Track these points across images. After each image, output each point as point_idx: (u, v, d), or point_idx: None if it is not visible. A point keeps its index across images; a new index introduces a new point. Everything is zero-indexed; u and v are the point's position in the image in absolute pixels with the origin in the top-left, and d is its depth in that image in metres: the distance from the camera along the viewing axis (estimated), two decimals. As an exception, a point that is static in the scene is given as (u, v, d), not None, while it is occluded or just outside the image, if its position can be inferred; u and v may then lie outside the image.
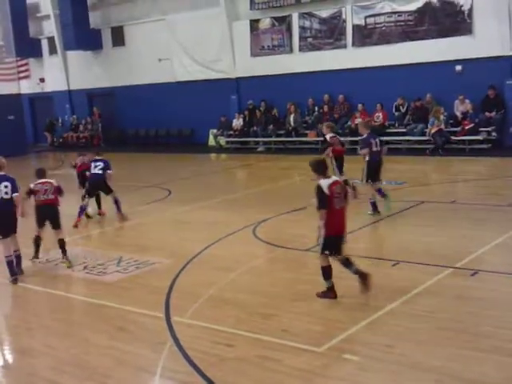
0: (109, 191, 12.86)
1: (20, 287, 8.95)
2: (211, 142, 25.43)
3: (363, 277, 7.40)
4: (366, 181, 11.38)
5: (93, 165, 12.97)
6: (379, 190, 11.45)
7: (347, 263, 7.52)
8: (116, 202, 12.79)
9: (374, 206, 11.35)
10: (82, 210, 12.81)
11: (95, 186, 12.93)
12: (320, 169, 7.54)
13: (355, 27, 21.63)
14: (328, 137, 13.04)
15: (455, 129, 19.26)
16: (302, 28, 22.95)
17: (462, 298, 7.29)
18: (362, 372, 5.63)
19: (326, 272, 7.52)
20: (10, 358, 6.76)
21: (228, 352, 6.21)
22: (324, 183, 7.43)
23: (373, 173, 11.30)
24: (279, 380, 5.61)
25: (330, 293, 7.49)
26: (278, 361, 5.94)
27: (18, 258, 9.43)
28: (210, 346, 6.35)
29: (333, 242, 7.48)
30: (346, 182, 9.09)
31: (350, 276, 8.27)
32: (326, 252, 7.48)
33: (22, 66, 31.85)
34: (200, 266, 9.25)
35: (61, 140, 30.27)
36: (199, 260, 9.48)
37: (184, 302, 7.61)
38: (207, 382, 5.61)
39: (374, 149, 11.29)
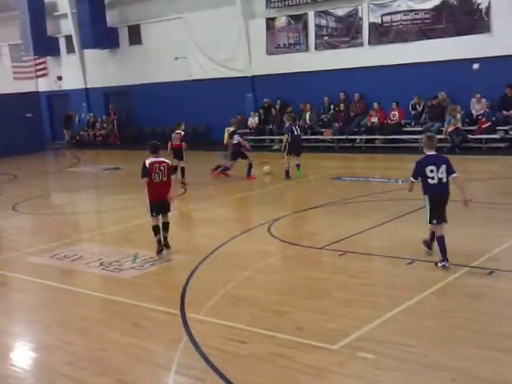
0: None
1: (36, 283, 9.03)
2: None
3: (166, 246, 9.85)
4: (288, 154, 16.17)
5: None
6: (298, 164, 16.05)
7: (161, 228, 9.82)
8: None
9: (287, 173, 16.01)
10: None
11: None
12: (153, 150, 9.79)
13: (371, 25, 21.54)
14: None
15: (472, 127, 19.13)
16: (318, 26, 22.88)
17: (478, 297, 7.25)
18: (377, 370, 5.61)
19: (155, 230, 9.77)
20: (27, 353, 6.81)
21: (242, 349, 6.23)
22: (147, 161, 9.61)
23: (295, 149, 16.13)
24: (293, 377, 5.62)
25: (158, 246, 9.70)
26: (292, 358, 5.95)
27: None
28: (225, 343, 6.38)
29: (155, 206, 9.66)
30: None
31: (365, 275, 8.29)
32: (154, 214, 9.73)
33: (39, 64, 32.06)
34: (215, 263, 9.28)
35: (77, 138, 30.47)
36: (214, 257, 9.51)
37: (199, 299, 7.64)
38: (221, 378, 5.63)
39: (295, 133, 16.24)
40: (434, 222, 8.43)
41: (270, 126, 23.61)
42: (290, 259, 9.48)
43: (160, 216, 9.81)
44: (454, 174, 8.43)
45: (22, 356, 6.77)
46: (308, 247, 9.73)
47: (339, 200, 13.04)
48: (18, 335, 7.38)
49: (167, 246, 9.90)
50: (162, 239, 9.84)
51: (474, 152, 18.54)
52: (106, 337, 6.86)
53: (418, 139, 20.02)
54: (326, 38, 22.83)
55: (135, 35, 28.46)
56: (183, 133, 16.84)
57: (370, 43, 21.73)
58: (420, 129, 20.07)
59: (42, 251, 10.65)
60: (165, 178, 9.66)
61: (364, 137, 21.36)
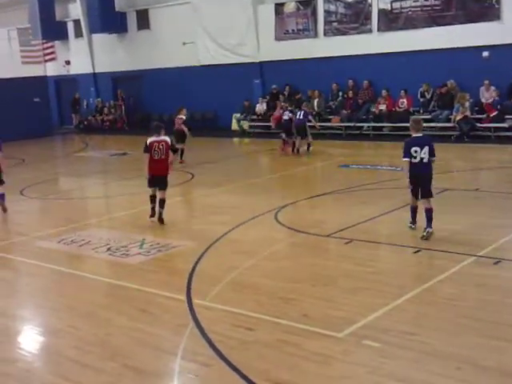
0: None
1: (45, 268, 9.09)
2: (234, 126, 25.41)
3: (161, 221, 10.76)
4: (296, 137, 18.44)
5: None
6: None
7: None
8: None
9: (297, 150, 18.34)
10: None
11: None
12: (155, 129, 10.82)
13: (381, 12, 21.38)
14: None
15: (481, 116, 19.04)
16: (327, 12, 22.74)
17: (485, 286, 7.25)
18: (383, 358, 5.63)
19: (151, 198, 10.84)
20: (34, 337, 6.87)
21: (248, 335, 6.26)
22: (149, 139, 10.65)
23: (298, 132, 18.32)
24: (299, 364, 5.65)
25: (152, 211, 10.80)
26: (298, 345, 5.98)
27: None
28: (231, 329, 6.41)
29: (153, 180, 10.67)
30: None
31: (371, 263, 8.31)
32: (151, 186, 10.79)
33: (48, 48, 32.05)
34: (222, 249, 9.31)
35: (85, 123, 30.51)
36: (221, 244, 9.54)
37: (205, 285, 7.68)
38: (228, 364, 5.66)
39: (297, 118, 18.46)
40: (411, 195, 9.47)
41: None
42: (297, 246, 9.50)
43: (157, 189, 10.77)
44: (433, 158, 9.32)
45: (30, 340, 6.83)
46: (314, 235, 9.74)
47: (346, 188, 13.03)
48: (26, 319, 7.44)
49: (161, 221, 10.77)
50: (158, 214, 10.77)
51: (482, 141, 18.47)
52: (113, 322, 6.91)
53: (426, 128, 19.96)
54: (335, 24, 22.70)
55: (143, 20, 28.36)
56: (184, 117, 17.97)
57: (379, 30, 21.58)
58: (428, 116, 19.96)
59: (50, 236, 10.71)
60: (163, 156, 10.65)
61: (372, 124, 21.28)
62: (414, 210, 9.61)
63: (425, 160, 9.18)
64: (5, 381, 5.78)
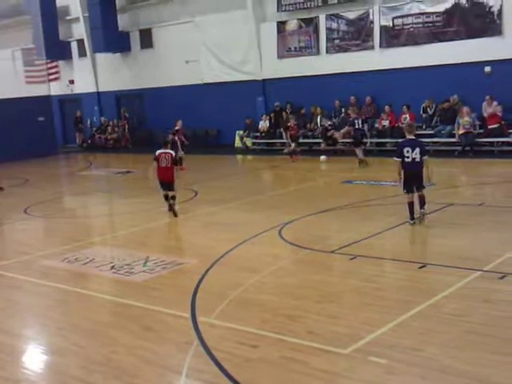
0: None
1: (49, 286, 9.08)
2: (237, 143, 25.48)
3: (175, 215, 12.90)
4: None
5: None
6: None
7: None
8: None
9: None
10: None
11: None
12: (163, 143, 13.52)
13: (383, 28, 21.48)
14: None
15: (481, 130, 19.05)
16: (329, 29, 22.86)
17: (491, 301, 7.21)
18: (389, 375, 5.59)
19: (164, 197, 13.09)
20: (40, 356, 6.85)
21: (253, 353, 6.23)
22: (157, 151, 13.04)
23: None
24: (304, 381, 5.62)
25: (169, 207, 13.00)
26: (303, 362, 5.94)
27: None
28: (236, 347, 6.38)
29: (162, 184, 12.97)
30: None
31: (376, 279, 8.27)
32: (162, 189, 13.08)
33: (52, 68, 32.26)
34: (226, 266, 9.29)
35: (89, 141, 30.62)
36: (225, 261, 9.52)
37: (210, 303, 7.65)
38: (233, 382, 5.64)
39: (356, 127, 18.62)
40: (405, 190, 10.68)
41: (281, 130, 23.59)
42: (301, 263, 9.47)
43: (167, 191, 13.07)
44: (425, 157, 10.56)
45: (34, 359, 6.81)
46: (319, 251, 9.72)
47: (350, 204, 13.02)
48: (30, 338, 7.42)
49: (175, 214, 12.99)
50: (170, 207, 13.10)
51: (485, 155, 18.45)
52: (118, 340, 6.88)
53: (429, 143, 19.97)
54: (337, 41, 22.80)
55: (147, 39, 28.56)
56: (177, 127, 20.20)
57: (381, 46, 21.67)
58: (431, 132, 20.00)
59: (54, 254, 10.71)
60: (169, 165, 12.92)
61: (375, 140, 21.30)
62: (411, 205, 10.66)
63: (417, 159, 10.47)
64: (9, 400, 5.75)
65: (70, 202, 17.78)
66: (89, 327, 7.35)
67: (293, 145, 20.77)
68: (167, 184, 12.96)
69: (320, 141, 22.11)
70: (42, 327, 7.73)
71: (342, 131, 20.07)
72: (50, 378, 6.30)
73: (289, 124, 21.25)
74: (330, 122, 21.55)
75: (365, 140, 19.62)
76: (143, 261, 9.74)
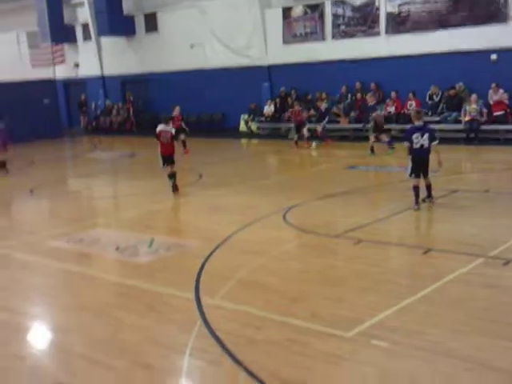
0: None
1: (54, 267, 9.13)
2: (242, 127, 25.44)
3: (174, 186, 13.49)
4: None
5: None
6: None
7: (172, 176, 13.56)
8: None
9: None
10: None
11: None
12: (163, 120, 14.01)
13: (388, 15, 21.34)
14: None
15: (486, 118, 18.99)
16: (335, 15, 22.73)
17: (494, 287, 7.22)
18: (391, 358, 5.62)
19: (169, 177, 13.55)
20: (45, 334, 6.90)
21: (257, 334, 6.26)
22: (158, 128, 13.55)
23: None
24: (307, 363, 5.64)
25: (173, 188, 13.50)
26: (306, 344, 5.97)
27: None
28: (239, 328, 6.41)
29: (164, 158, 13.42)
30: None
31: (380, 264, 8.29)
32: (165, 165, 13.46)
33: (56, 51, 32.20)
34: (230, 249, 9.31)
35: (94, 124, 30.63)
36: (229, 243, 9.54)
37: (214, 284, 7.68)
38: (236, 363, 5.66)
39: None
40: (413, 176, 10.73)
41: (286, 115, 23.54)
42: (305, 247, 9.49)
43: (169, 167, 13.54)
44: (434, 142, 10.64)
45: (39, 337, 6.87)
46: (323, 235, 9.72)
47: (355, 189, 13.02)
48: (36, 316, 7.47)
49: (176, 188, 13.54)
50: (174, 187, 13.53)
51: (491, 142, 18.41)
52: (122, 320, 6.92)
53: (435, 130, 19.88)
54: (342, 27, 22.69)
55: (151, 23, 28.46)
56: (174, 114, 19.74)
57: (387, 32, 21.56)
58: (437, 119, 19.92)
59: (59, 235, 10.75)
60: (169, 141, 13.54)
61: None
62: (417, 189, 10.71)
63: (425, 146, 10.54)
64: (14, 377, 5.81)
65: (75, 183, 17.82)
66: (93, 307, 7.39)
67: (305, 132, 20.14)
68: (168, 157, 13.63)
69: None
70: (48, 306, 7.77)
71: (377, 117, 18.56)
72: (55, 355, 6.34)
73: (293, 109, 20.92)
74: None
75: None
76: (148, 242, 9.77)
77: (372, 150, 17.40)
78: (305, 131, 20.10)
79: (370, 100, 18.74)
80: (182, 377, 5.64)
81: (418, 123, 10.75)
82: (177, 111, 20.13)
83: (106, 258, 9.43)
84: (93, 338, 6.46)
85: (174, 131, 13.92)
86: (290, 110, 21.35)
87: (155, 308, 7.19)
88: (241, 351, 5.85)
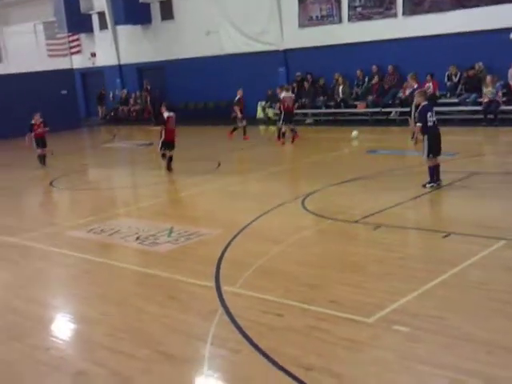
0: None
1: (76, 257, 9.22)
2: (259, 114, 25.39)
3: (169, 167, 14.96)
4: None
5: None
6: None
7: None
8: None
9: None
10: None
11: None
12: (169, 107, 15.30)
13: (405, -4, 21.13)
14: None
15: (505, 98, 18.75)
16: (351, -3, 22.55)
17: (515, 270, 7.18)
18: (412, 343, 5.62)
19: (163, 156, 14.99)
20: (68, 325, 6.99)
21: (277, 321, 6.28)
22: (165, 114, 14.78)
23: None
24: (328, 350, 5.67)
25: (167, 165, 15.00)
26: (327, 331, 5.99)
27: None
28: (260, 316, 6.44)
29: (166, 144, 14.71)
30: None
31: (400, 249, 8.27)
32: (163, 149, 14.89)
33: (73, 41, 32.34)
34: (249, 236, 9.34)
35: (112, 114, 30.74)
36: (248, 231, 9.57)
37: (234, 272, 7.72)
38: (257, 350, 5.70)
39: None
40: (431, 156, 10.92)
41: (303, 100, 23.45)
42: (324, 233, 9.49)
43: (167, 150, 14.80)
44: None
45: (62, 327, 6.95)
46: (342, 221, 9.72)
47: (374, 173, 12.96)
48: (59, 307, 7.58)
49: (170, 168, 14.85)
50: (168, 166, 14.86)
51: (510, 124, 18.18)
52: (143, 309, 6.99)
53: (453, 111, 19.72)
54: (359, 9, 22.49)
55: (167, 10, 28.44)
56: (238, 96, 20.27)
57: (404, 14, 21.35)
58: (456, 100, 19.73)
59: (80, 226, 10.86)
60: (175, 128, 14.83)
61: (399, 109, 21.07)
62: (438, 168, 11.03)
63: (436, 122, 11.02)
64: (38, 368, 5.89)
65: (94, 173, 17.95)
66: (115, 297, 7.47)
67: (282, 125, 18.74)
68: (171, 143, 14.59)
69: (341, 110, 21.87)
70: (70, 297, 7.87)
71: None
72: (78, 345, 6.44)
73: (281, 97, 19.11)
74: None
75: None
76: (167, 231, 9.83)
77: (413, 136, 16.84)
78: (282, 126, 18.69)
79: (411, 83, 17.57)
80: (204, 365, 5.68)
81: (425, 102, 11.22)
82: (239, 94, 20.37)
83: (127, 247, 9.50)
84: (115, 328, 6.53)
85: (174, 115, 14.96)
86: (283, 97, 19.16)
87: (176, 297, 7.25)
88: (262, 339, 5.89)
